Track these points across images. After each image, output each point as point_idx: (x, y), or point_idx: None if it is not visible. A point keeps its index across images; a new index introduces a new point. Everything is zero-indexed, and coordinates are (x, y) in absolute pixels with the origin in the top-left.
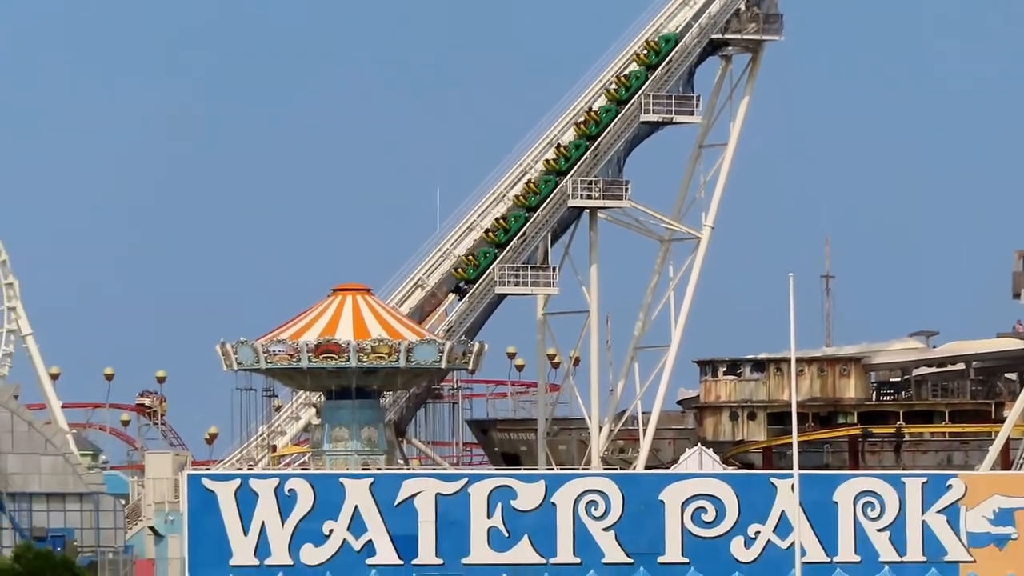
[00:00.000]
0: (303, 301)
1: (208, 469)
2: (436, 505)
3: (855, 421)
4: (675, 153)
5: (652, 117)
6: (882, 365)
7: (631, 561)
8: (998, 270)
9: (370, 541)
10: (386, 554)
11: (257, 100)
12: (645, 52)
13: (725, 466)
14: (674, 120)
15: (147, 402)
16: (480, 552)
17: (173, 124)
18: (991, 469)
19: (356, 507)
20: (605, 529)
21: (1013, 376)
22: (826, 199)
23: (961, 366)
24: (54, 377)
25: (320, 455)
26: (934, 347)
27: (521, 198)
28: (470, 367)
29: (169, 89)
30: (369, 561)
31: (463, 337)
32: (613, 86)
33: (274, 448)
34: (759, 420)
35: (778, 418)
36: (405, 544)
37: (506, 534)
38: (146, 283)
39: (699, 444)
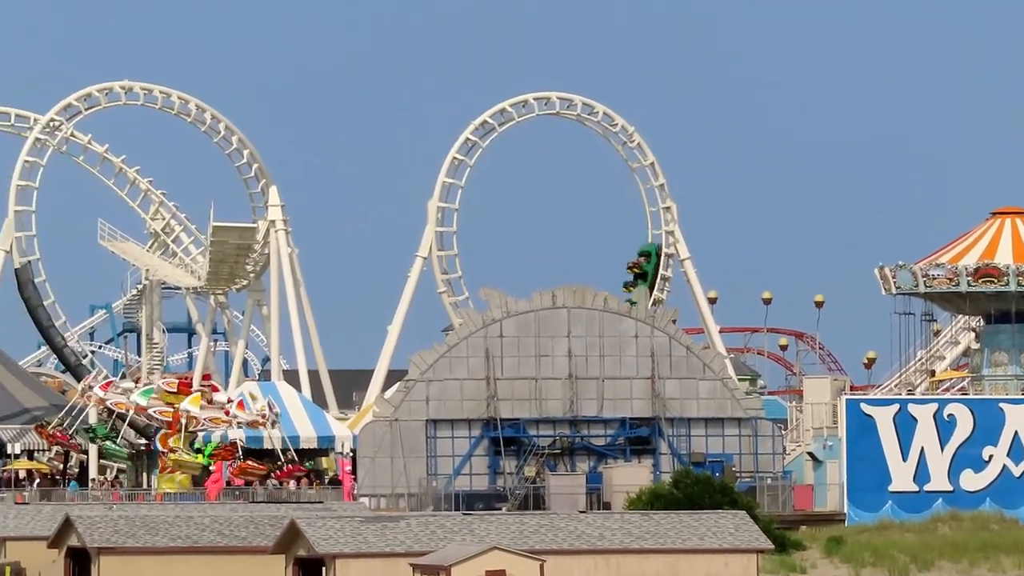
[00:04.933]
0: (962, 224)
1: (866, 394)
2: None
3: None
4: None
5: None
6: None
7: None
8: None
9: None
10: None
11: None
12: None
13: None
14: None
15: None
16: None
17: None
18: None
19: (1016, 433)
20: None
21: None
22: None
23: None
24: (712, 301)
25: (979, 380)
26: None
27: None
28: None
29: None
30: None
31: None
32: None
33: (933, 373)
34: None
35: None
36: None
37: None
38: (802, 206)
39: None
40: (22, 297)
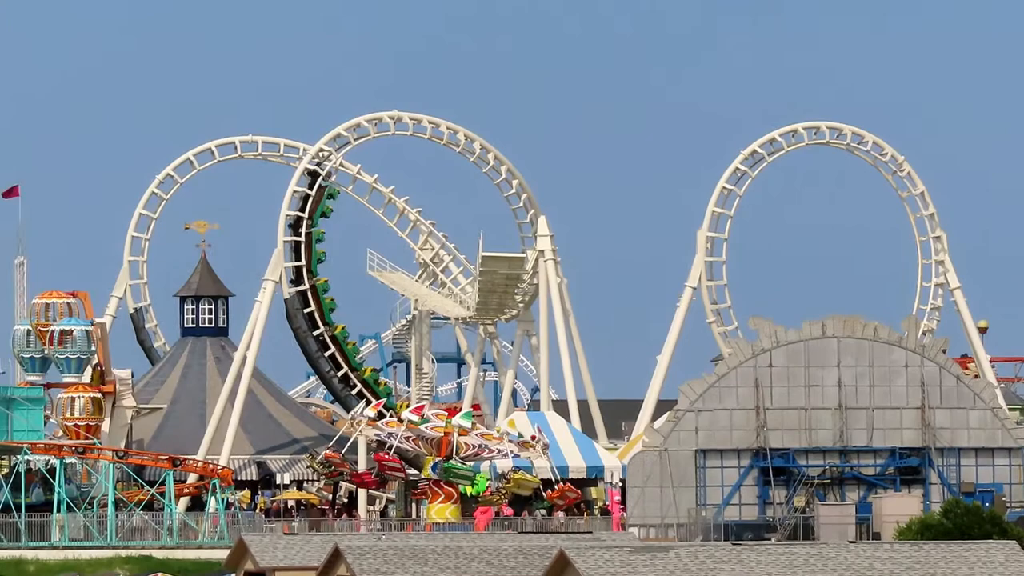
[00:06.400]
0: None
1: None
2: None
3: None
4: None
5: None
6: None
7: None
8: None
9: None
10: None
11: None
12: None
13: None
14: None
15: None
16: None
17: None
18: None
19: None
20: None
21: None
22: None
23: None
24: (982, 331)
25: None
26: None
27: None
28: None
29: None
30: None
31: None
32: None
33: None
34: None
35: None
36: None
37: None
38: None
39: None
40: (291, 327)
